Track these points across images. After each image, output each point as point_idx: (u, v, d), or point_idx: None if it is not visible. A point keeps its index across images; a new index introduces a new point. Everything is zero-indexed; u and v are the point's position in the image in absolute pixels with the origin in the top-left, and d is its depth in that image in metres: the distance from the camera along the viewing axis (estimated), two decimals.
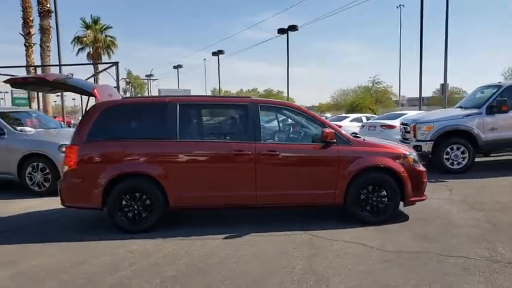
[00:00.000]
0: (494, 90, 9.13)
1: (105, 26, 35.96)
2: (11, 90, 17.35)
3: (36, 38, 18.04)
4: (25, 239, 4.82)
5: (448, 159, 8.69)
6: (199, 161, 5.02)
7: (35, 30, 17.99)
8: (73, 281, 3.61)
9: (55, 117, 17.53)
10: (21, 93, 16.96)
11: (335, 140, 5.02)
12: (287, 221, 5.30)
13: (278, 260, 3.99)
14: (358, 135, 5.61)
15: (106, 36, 36.00)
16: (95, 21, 35.64)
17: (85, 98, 6.01)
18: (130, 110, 5.23)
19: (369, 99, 40.44)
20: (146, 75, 60.78)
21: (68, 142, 7.11)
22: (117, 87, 11.48)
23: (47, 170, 7.42)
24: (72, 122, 31.91)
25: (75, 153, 4.88)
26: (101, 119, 4.98)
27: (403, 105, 45.78)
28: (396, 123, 12.50)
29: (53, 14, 17.54)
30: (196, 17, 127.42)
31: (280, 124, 6.07)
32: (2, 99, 44.74)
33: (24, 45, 17.94)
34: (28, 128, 8.05)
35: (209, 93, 56.53)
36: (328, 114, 27.54)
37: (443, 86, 21.76)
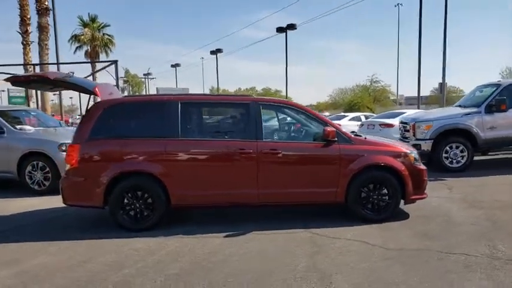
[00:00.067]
0: (493, 89, 9.18)
1: (102, 24, 35.82)
2: (8, 89, 17.29)
3: (33, 36, 18.00)
4: (27, 238, 4.81)
5: (447, 158, 8.73)
6: (200, 160, 5.03)
7: (32, 28, 17.94)
8: (77, 279, 3.62)
9: (53, 115, 17.47)
10: (18, 92, 16.89)
11: (336, 139, 5.04)
12: (289, 219, 5.32)
13: (281, 257, 4.01)
14: (359, 134, 5.64)
15: (104, 34, 35.85)
16: (93, 20, 35.49)
17: (83, 96, 6.01)
18: (132, 108, 5.23)
19: (367, 98, 40.53)
20: (144, 74, 60.77)
21: (67, 141, 7.18)
22: (117, 85, 11.48)
23: (47, 169, 7.42)
24: (70, 120, 31.86)
25: (77, 152, 4.89)
26: (103, 117, 4.98)
27: (401, 104, 45.88)
28: (395, 122, 12.54)
29: (51, 12, 17.49)
30: (194, 16, 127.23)
31: (282, 123, 6.09)
32: None
33: (22, 43, 17.87)
34: (28, 127, 8.04)
35: (207, 92, 56.45)
36: (327, 113, 27.57)
37: (442, 85, 21.83)
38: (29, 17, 17.81)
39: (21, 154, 7.42)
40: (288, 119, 5.87)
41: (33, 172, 7.46)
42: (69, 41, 34.94)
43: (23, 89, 15.69)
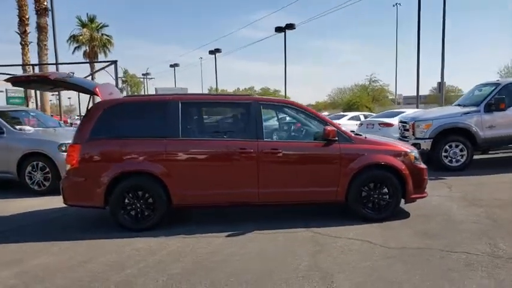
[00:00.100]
0: (492, 88, 9.21)
1: (101, 25, 35.80)
2: (6, 90, 17.25)
3: (32, 37, 17.97)
4: (27, 238, 4.81)
5: (446, 157, 8.75)
6: (201, 159, 5.03)
7: (30, 28, 17.90)
8: (79, 279, 3.62)
9: (51, 116, 17.45)
10: (16, 93, 16.86)
11: (337, 138, 5.05)
12: (289, 218, 5.32)
13: (283, 257, 4.01)
14: (359, 133, 5.64)
15: (102, 34, 35.83)
16: (91, 20, 35.46)
17: (82, 97, 6.01)
18: (132, 108, 5.23)
19: (366, 98, 40.60)
20: (143, 74, 60.73)
21: (67, 141, 7.17)
22: (116, 85, 11.47)
23: (47, 169, 7.41)
24: (69, 121, 31.79)
25: (78, 152, 4.89)
26: (104, 117, 4.98)
27: (399, 104, 45.96)
28: (394, 121, 12.56)
29: (50, 13, 17.46)
30: (192, 16, 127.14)
31: (282, 122, 6.09)
32: None
33: (20, 43, 17.85)
34: (27, 127, 8.03)
35: (206, 91, 56.41)
36: (326, 113, 27.60)
37: (440, 85, 21.88)
38: (27, 17, 17.79)
39: (21, 154, 7.42)
40: (289, 118, 5.87)
41: (33, 172, 7.45)
42: (67, 41, 34.94)
43: (21, 89, 15.66)
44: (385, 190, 5.14)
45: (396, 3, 47.09)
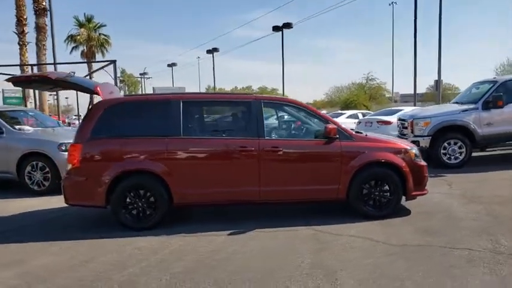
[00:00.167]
0: (490, 86, 9.24)
1: (98, 24, 35.70)
2: (2, 90, 17.19)
3: (30, 37, 17.90)
4: (28, 238, 4.79)
5: (445, 154, 8.78)
6: (203, 158, 5.04)
7: (28, 28, 17.84)
8: (81, 279, 3.61)
9: (50, 115, 17.40)
10: (13, 93, 16.81)
11: (338, 136, 5.06)
12: (289, 216, 5.33)
13: (285, 255, 4.02)
14: (360, 131, 5.66)
15: (100, 34, 35.74)
16: (89, 20, 35.35)
17: (80, 96, 5.99)
18: (133, 107, 5.22)
19: (363, 96, 40.68)
20: (140, 74, 60.59)
21: (67, 141, 7.16)
22: (115, 85, 11.44)
23: (47, 169, 7.38)
24: (67, 120, 31.74)
25: (79, 151, 4.88)
26: (105, 116, 4.97)
27: (396, 102, 46.07)
28: (392, 119, 12.60)
29: (48, 13, 17.39)
30: (190, 15, 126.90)
31: (283, 120, 6.10)
32: None
33: (18, 43, 17.78)
34: (27, 127, 8.01)
35: (203, 91, 56.32)
36: (324, 111, 27.61)
37: (437, 82, 21.93)
38: (25, 17, 17.72)
39: (20, 154, 7.39)
40: (290, 116, 5.88)
41: (32, 172, 7.43)
42: (65, 41, 34.84)
43: (19, 89, 15.61)
44: (386, 187, 5.16)
45: (392, 2, 47.17)
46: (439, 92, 21.82)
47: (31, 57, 18.04)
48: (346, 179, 5.06)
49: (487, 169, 8.40)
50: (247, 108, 5.17)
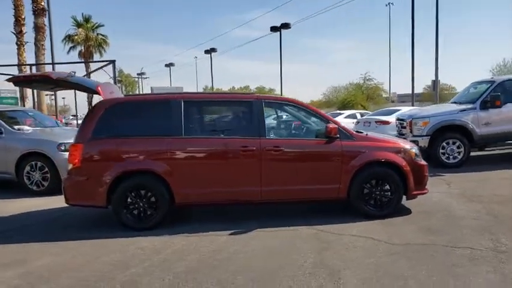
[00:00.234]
0: (488, 86, 9.30)
1: (96, 24, 35.65)
2: None
3: (27, 37, 17.81)
4: (29, 238, 4.78)
5: (444, 154, 8.82)
6: (204, 158, 5.03)
7: (26, 28, 17.74)
8: (84, 279, 3.60)
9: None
10: (9, 93, 16.71)
11: (338, 135, 5.07)
12: (290, 216, 5.34)
13: (288, 254, 4.02)
14: (360, 131, 5.67)
15: (98, 34, 35.68)
16: (86, 20, 35.29)
17: (78, 96, 5.96)
18: (135, 107, 5.21)
19: (361, 96, 40.67)
20: (137, 74, 60.48)
21: (66, 140, 7.14)
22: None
23: (46, 169, 7.35)
24: (64, 121, 31.63)
25: (80, 151, 4.86)
26: (106, 116, 4.96)
27: (393, 102, 46.13)
28: (391, 119, 12.65)
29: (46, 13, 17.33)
30: (187, 15, 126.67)
31: (284, 120, 6.11)
32: None
33: (16, 43, 17.66)
34: (26, 127, 7.98)
35: (200, 91, 56.28)
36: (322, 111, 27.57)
37: (435, 83, 22.03)
38: (23, 17, 17.61)
39: (19, 154, 7.36)
40: (290, 116, 5.88)
41: (31, 172, 7.39)
42: (62, 41, 34.74)
43: (15, 89, 15.55)
44: (387, 187, 5.17)
45: (389, 3, 47.31)
46: (436, 92, 21.92)
47: (29, 57, 17.99)
48: (347, 179, 5.07)
49: (485, 168, 8.44)
50: (249, 108, 5.17)
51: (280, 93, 33.77)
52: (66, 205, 5.18)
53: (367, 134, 5.47)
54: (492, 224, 4.73)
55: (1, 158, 7.47)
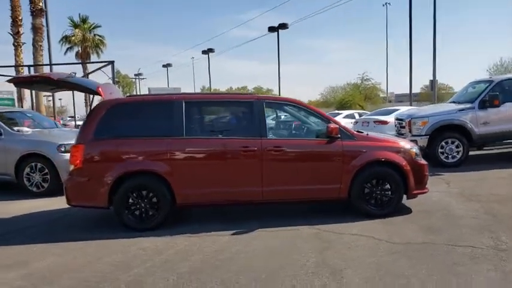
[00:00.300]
0: (486, 85, 9.34)
1: (93, 25, 35.58)
2: None
3: (25, 37, 17.79)
4: (31, 239, 4.78)
5: (443, 153, 8.85)
6: (205, 158, 5.05)
7: (23, 29, 17.72)
8: (87, 280, 3.61)
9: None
10: (5, 94, 16.68)
11: (339, 135, 5.09)
12: (291, 216, 5.35)
13: (289, 254, 4.04)
14: (360, 130, 5.70)
15: (95, 35, 35.61)
16: (83, 20, 35.21)
17: (77, 97, 5.96)
18: (136, 108, 5.21)
19: (358, 96, 40.75)
20: (135, 74, 60.40)
21: (66, 141, 7.14)
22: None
23: (46, 170, 7.34)
24: (61, 122, 31.55)
25: (81, 152, 4.87)
26: (107, 117, 4.96)
27: (391, 102, 46.22)
28: (389, 118, 12.69)
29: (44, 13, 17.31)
30: (185, 16, 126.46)
31: (285, 120, 6.13)
32: None
33: (13, 44, 17.64)
34: (25, 128, 7.95)
35: (198, 91, 56.20)
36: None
37: (433, 82, 22.08)
38: (20, 18, 17.59)
39: (19, 156, 7.34)
40: (290, 116, 5.90)
41: (31, 174, 7.38)
42: (59, 42, 34.69)
43: (11, 90, 15.51)
44: (388, 186, 5.20)
45: (386, 3, 47.36)
46: (434, 92, 21.97)
47: (26, 58, 17.97)
48: (348, 178, 5.09)
49: (484, 168, 8.48)
50: (249, 108, 5.19)
51: (278, 93, 33.82)
52: (67, 206, 5.19)
53: (367, 134, 5.49)
54: (491, 223, 4.76)
55: (1, 159, 7.45)
